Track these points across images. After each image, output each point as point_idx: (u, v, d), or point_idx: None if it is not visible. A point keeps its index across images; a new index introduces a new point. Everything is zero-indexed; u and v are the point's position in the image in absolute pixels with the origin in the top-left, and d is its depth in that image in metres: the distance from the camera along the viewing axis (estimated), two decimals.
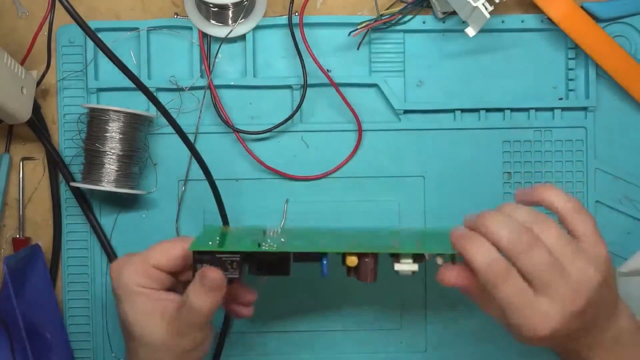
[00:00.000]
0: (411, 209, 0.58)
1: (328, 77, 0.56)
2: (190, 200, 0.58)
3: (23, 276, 0.54)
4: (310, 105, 0.58)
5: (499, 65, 0.59)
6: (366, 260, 0.47)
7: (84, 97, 0.58)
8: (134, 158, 0.55)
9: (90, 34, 0.45)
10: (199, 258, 0.46)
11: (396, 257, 0.47)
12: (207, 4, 0.54)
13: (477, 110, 0.59)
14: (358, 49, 0.57)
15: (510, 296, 0.41)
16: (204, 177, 0.54)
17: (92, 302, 0.58)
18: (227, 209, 0.55)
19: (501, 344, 0.58)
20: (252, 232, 0.51)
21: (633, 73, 0.57)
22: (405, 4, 0.57)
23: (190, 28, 0.57)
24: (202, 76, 0.58)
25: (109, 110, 0.54)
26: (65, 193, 0.58)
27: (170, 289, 0.49)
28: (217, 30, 0.57)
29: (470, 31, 0.52)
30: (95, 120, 0.54)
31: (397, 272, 0.48)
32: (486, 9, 0.50)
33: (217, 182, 0.54)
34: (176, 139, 0.52)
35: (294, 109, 0.57)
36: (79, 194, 0.57)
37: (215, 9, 0.55)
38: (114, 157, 0.54)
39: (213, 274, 0.45)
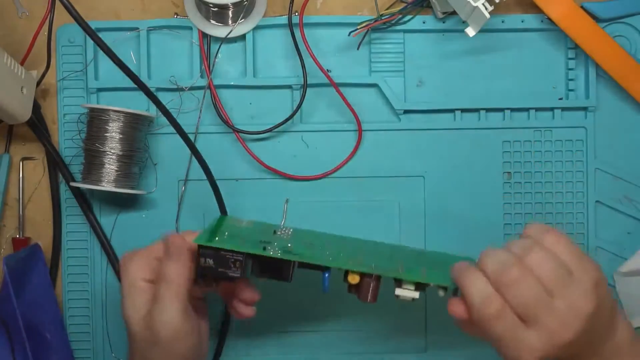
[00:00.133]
0: (411, 209, 0.58)
1: (328, 77, 0.56)
2: (190, 200, 0.58)
3: (23, 276, 0.54)
4: (310, 105, 0.58)
5: (499, 65, 0.59)
6: (368, 280, 0.47)
7: (84, 97, 0.58)
8: (134, 158, 0.55)
9: (91, 33, 0.45)
10: (203, 252, 0.46)
11: (398, 281, 0.47)
12: (207, 4, 0.54)
13: (477, 110, 0.59)
14: (358, 49, 0.57)
15: (502, 332, 0.41)
16: (204, 177, 0.54)
17: (92, 302, 0.58)
18: (227, 209, 0.55)
19: None
20: (263, 230, 0.51)
21: (633, 73, 0.57)
22: (405, 4, 0.57)
23: (190, 28, 0.57)
24: (202, 76, 0.58)
25: (109, 110, 0.54)
26: (65, 193, 0.58)
27: None
28: (217, 30, 0.57)
29: (470, 31, 0.52)
30: (95, 120, 0.54)
31: (397, 296, 0.47)
32: (486, 9, 0.50)
33: (217, 182, 0.54)
34: (176, 138, 0.52)
35: (294, 109, 0.57)
36: (79, 194, 0.57)
37: (215, 9, 0.55)
38: (114, 157, 0.54)
39: (174, 238, 0.47)
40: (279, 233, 0.51)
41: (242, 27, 0.57)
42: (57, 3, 0.45)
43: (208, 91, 0.57)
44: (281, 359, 0.59)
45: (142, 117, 0.55)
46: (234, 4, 0.54)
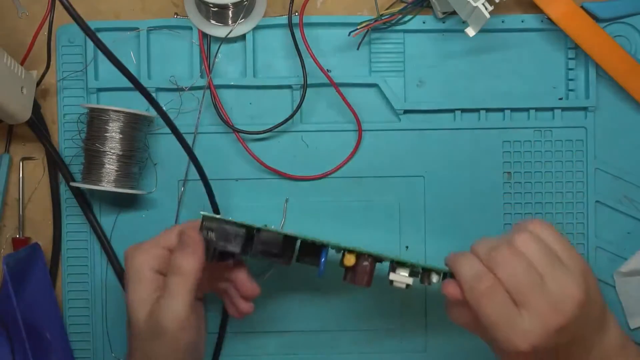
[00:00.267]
0: (411, 209, 0.58)
1: (328, 77, 0.56)
2: (190, 200, 0.58)
3: (23, 276, 0.54)
4: (310, 105, 0.58)
5: (499, 65, 0.59)
6: (364, 262, 0.47)
7: (84, 97, 0.58)
8: (134, 158, 0.55)
9: (90, 34, 0.45)
10: (207, 225, 0.48)
11: (393, 267, 0.47)
12: (207, 4, 0.54)
13: (477, 110, 0.59)
14: (358, 49, 0.57)
15: (493, 313, 0.41)
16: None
17: (92, 302, 0.58)
18: (227, 209, 0.55)
19: None
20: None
21: (633, 73, 0.57)
22: (405, 4, 0.57)
23: (190, 28, 0.57)
24: (202, 76, 0.58)
25: (109, 110, 0.54)
26: (65, 193, 0.58)
27: None
28: (217, 30, 0.57)
29: (470, 31, 0.52)
30: (95, 120, 0.54)
31: (391, 282, 0.47)
32: (486, 9, 0.50)
33: (216, 182, 0.54)
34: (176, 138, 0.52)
35: (294, 109, 0.57)
36: (79, 194, 0.57)
37: (215, 9, 0.55)
38: (114, 157, 0.54)
39: (190, 231, 0.47)
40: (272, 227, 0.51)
41: (242, 27, 0.57)
42: (57, 3, 0.45)
43: (208, 91, 0.57)
44: (281, 359, 0.59)
45: (142, 117, 0.55)
46: (234, 4, 0.54)
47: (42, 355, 0.54)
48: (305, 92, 0.56)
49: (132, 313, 0.47)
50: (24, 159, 0.58)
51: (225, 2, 0.53)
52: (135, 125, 0.55)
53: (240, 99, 0.58)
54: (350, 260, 0.47)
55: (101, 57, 0.57)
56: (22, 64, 0.55)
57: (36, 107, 0.56)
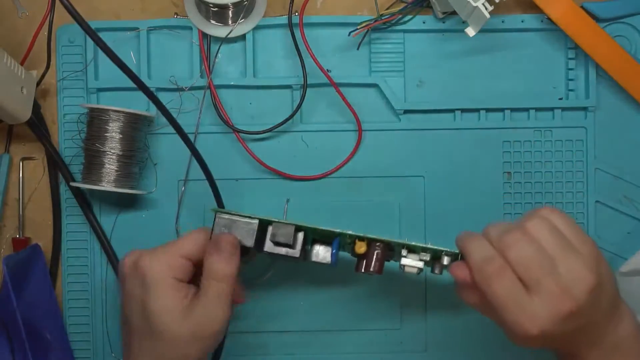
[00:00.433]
0: (411, 209, 0.58)
1: (328, 77, 0.56)
2: (190, 200, 0.58)
3: (23, 276, 0.54)
4: (310, 105, 0.58)
5: (499, 65, 0.59)
6: (374, 250, 0.48)
7: (84, 97, 0.58)
8: (134, 158, 0.55)
9: (91, 33, 0.45)
10: (219, 220, 0.48)
11: (403, 254, 0.48)
12: (207, 4, 0.54)
13: (477, 110, 0.59)
14: (358, 49, 0.57)
15: (501, 294, 0.41)
16: (204, 177, 0.54)
17: (92, 302, 0.58)
18: (227, 209, 0.55)
19: (501, 344, 0.58)
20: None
21: (633, 73, 0.57)
22: (405, 4, 0.57)
23: (190, 28, 0.57)
24: (202, 76, 0.58)
25: (109, 110, 0.54)
26: (65, 193, 0.58)
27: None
28: (217, 30, 0.57)
29: (470, 31, 0.52)
30: (95, 120, 0.54)
31: (402, 267, 0.48)
32: (486, 9, 0.50)
33: (217, 182, 0.54)
34: (176, 139, 0.52)
35: (294, 109, 0.57)
36: (79, 194, 0.57)
37: (215, 9, 0.55)
38: (114, 157, 0.54)
39: (228, 237, 0.47)
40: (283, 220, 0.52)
41: (242, 27, 0.57)
42: (57, 3, 0.45)
43: (208, 91, 0.57)
44: (281, 359, 0.59)
45: (142, 117, 0.55)
46: (234, 4, 0.54)
47: (42, 356, 0.54)
48: (305, 92, 0.56)
49: (158, 322, 0.46)
50: (24, 159, 0.58)
51: (225, 2, 0.53)
52: (135, 125, 0.55)
53: (240, 99, 0.58)
54: (361, 247, 0.48)
55: (101, 57, 0.57)
56: (22, 64, 0.55)
57: (36, 107, 0.56)
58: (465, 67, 0.59)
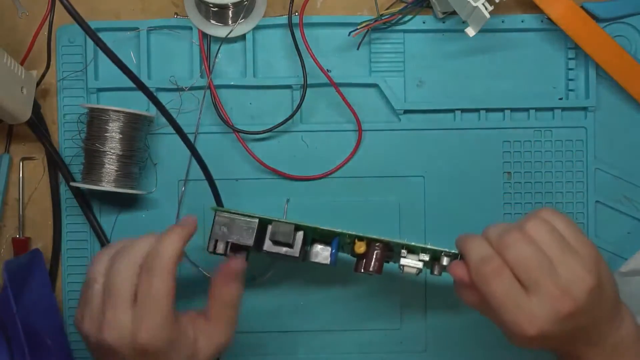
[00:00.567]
0: (411, 209, 0.58)
1: (328, 77, 0.56)
2: (190, 200, 0.58)
3: (23, 281, 0.54)
4: (310, 105, 0.58)
5: (499, 65, 0.59)
6: (374, 250, 0.48)
7: (84, 97, 0.58)
8: (134, 158, 0.55)
9: (91, 33, 0.45)
10: (219, 219, 0.48)
11: (402, 255, 0.48)
12: (207, 4, 0.54)
13: (477, 110, 0.59)
14: (358, 49, 0.57)
15: (500, 294, 0.41)
16: (204, 177, 0.54)
17: None
18: (226, 208, 0.55)
19: (501, 343, 0.58)
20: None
21: (633, 73, 0.57)
22: (405, 4, 0.57)
23: (190, 28, 0.57)
24: (202, 76, 0.58)
25: (109, 110, 0.54)
26: (65, 193, 0.58)
27: None
28: (217, 30, 0.57)
29: (470, 31, 0.52)
30: (95, 120, 0.54)
31: (402, 267, 0.48)
32: (486, 9, 0.50)
33: (217, 182, 0.54)
34: (176, 139, 0.52)
35: (294, 109, 0.57)
36: (79, 194, 0.57)
37: (215, 9, 0.55)
38: (114, 157, 0.54)
39: (238, 263, 0.47)
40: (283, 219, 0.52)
41: (242, 27, 0.57)
42: (57, 3, 0.45)
43: (208, 91, 0.57)
44: (281, 359, 0.59)
45: (142, 117, 0.55)
46: (234, 4, 0.54)
47: None
48: (305, 92, 0.56)
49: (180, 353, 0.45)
50: (24, 159, 0.58)
51: (225, 2, 0.53)
52: (135, 125, 0.55)
53: (240, 99, 0.58)
54: (361, 247, 0.48)
55: (101, 57, 0.57)
56: (22, 64, 0.55)
57: (36, 107, 0.56)
58: (465, 67, 0.59)
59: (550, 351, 0.46)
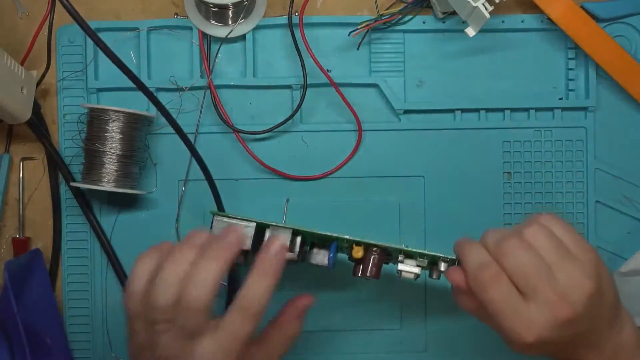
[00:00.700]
0: (411, 209, 0.58)
1: (328, 77, 0.56)
2: (190, 200, 0.58)
3: (23, 281, 0.54)
4: (310, 105, 0.58)
5: (499, 65, 0.59)
6: (372, 255, 0.48)
7: (84, 97, 0.58)
8: (134, 158, 0.55)
9: (91, 33, 0.45)
10: (217, 224, 0.48)
11: (400, 259, 0.48)
12: (207, 4, 0.54)
13: (477, 110, 0.59)
14: (358, 49, 0.57)
15: (497, 300, 0.41)
16: (204, 177, 0.54)
17: (92, 302, 0.58)
18: (227, 209, 0.55)
19: (501, 344, 0.58)
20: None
21: (633, 73, 0.57)
22: (405, 4, 0.57)
23: (190, 28, 0.57)
24: (202, 76, 0.58)
25: (109, 110, 0.54)
26: (65, 193, 0.58)
27: None
28: (217, 30, 0.57)
29: (470, 31, 0.52)
30: (95, 120, 0.54)
31: (399, 272, 0.48)
32: (486, 9, 0.50)
33: (216, 182, 0.55)
34: (176, 139, 0.52)
35: (294, 109, 0.57)
36: (79, 194, 0.57)
37: (215, 9, 0.55)
38: (114, 157, 0.54)
39: (306, 300, 0.47)
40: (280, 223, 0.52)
41: (242, 27, 0.57)
42: (57, 3, 0.45)
43: (208, 91, 0.57)
44: (281, 359, 0.59)
45: (142, 117, 0.55)
46: (234, 4, 0.54)
47: None
48: (305, 92, 0.56)
49: None
50: (24, 159, 0.58)
51: (225, 2, 0.53)
52: (135, 125, 0.55)
53: (240, 99, 0.58)
54: (358, 252, 0.48)
55: (101, 57, 0.57)
56: (22, 64, 0.55)
57: (36, 107, 0.56)
58: (465, 67, 0.59)
59: (549, 357, 0.46)
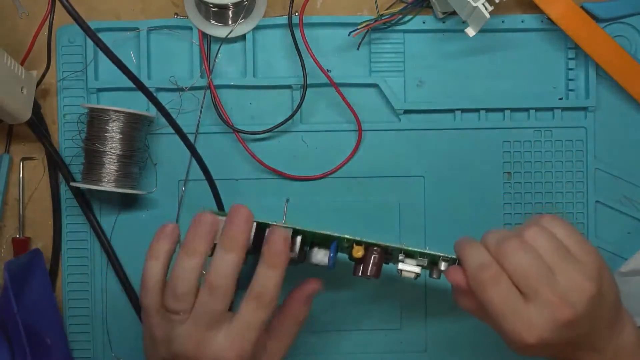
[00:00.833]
0: (411, 209, 0.58)
1: (328, 77, 0.56)
2: (190, 200, 0.58)
3: (23, 281, 0.54)
4: (310, 105, 0.58)
5: (499, 65, 0.59)
6: (372, 254, 0.48)
7: (84, 97, 0.58)
8: (134, 158, 0.55)
9: (90, 34, 0.45)
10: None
11: (400, 259, 0.48)
12: (207, 4, 0.54)
13: (477, 110, 0.59)
14: (358, 49, 0.57)
15: (497, 301, 0.41)
16: (204, 177, 0.54)
17: (92, 302, 0.58)
18: (227, 209, 0.55)
19: (501, 344, 0.58)
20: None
21: (633, 73, 0.57)
22: (405, 4, 0.57)
23: (190, 28, 0.57)
24: (202, 76, 0.58)
25: (109, 110, 0.54)
26: (65, 193, 0.58)
27: None
28: (217, 30, 0.57)
29: (470, 31, 0.52)
30: (95, 120, 0.54)
31: (400, 271, 0.48)
32: (486, 9, 0.50)
33: (217, 182, 0.55)
34: (176, 139, 0.52)
35: (294, 109, 0.57)
36: (79, 194, 0.57)
37: (215, 9, 0.55)
38: (114, 157, 0.54)
39: (314, 284, 0.49)
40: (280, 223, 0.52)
41: (242, 27, 0.57)
42: (57, 3, 0.45)
43: (208, 91, 0.57)
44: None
45: (142, 117, 0.55)
46: (234, 4, 0.54)
47: None
48: (305, 92, 0.56)
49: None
50: (24, 159, 0.58)
51: (225, 2, 0.53)
52: (135, 125, 0.55)
53: (240, 99, 0.58)
54: (358, 252, 0.48)
55: (101, 57, 0.57)
56: (22, 64, 0.55)
57: (36, 107, 0.56)
58: (465, 67, 0.59)
59: (550, 358, 0.46)
